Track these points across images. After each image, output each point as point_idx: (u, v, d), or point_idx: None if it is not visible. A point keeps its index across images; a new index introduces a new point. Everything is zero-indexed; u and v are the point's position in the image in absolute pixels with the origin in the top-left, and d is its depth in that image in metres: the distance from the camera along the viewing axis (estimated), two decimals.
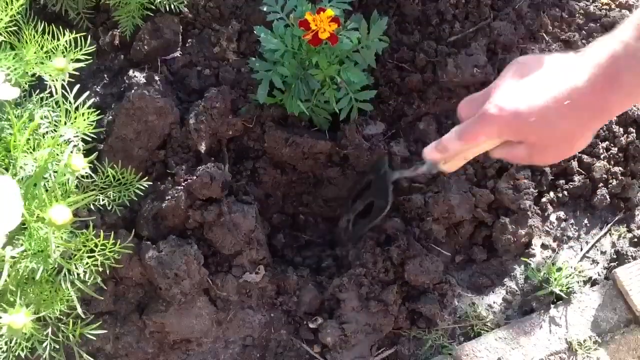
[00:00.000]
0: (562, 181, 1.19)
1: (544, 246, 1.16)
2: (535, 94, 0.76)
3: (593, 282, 1.13)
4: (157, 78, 1.14)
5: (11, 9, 0.83)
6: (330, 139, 1.16)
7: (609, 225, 1.18)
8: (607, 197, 1.17)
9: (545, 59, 0.78)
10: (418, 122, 1.22)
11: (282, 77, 1.10)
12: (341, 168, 1.18)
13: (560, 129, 0.77)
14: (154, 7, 1.18)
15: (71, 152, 0.78)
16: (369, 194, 1.10)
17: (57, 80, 0.78)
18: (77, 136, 0.88)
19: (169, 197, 1.06)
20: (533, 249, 1.14)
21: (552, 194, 1.18)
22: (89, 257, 0.86)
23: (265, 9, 1.10)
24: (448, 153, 0.84)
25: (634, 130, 1.21)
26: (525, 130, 0.77)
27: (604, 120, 0.82)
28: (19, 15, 0.86)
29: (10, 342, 0.87)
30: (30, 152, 0.82)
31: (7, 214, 0.62)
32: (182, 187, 1.06)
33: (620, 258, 1.15)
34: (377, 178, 1.08)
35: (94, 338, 0.94)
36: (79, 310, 0.85)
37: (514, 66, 0.79)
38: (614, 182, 1.18)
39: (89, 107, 0.88)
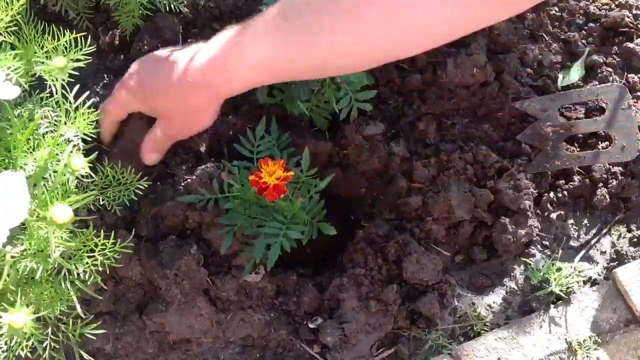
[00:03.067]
0: (562, 181, 1.19)
1: (543, 246, 1.16)
2: (164, 68, 0.91)
3: (593, 282, 1.14)
4: None
5: (12, 9, 0.83)
6: (330, 139, 1.16)
7: (609, 225, 1.18)
8: (607, 197, 1.17)
9: (183, 49, 0.93)
10: (418, 122, 1.22)
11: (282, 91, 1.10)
12: (341, 168, 1.18)
13: (175, 101, 0.92)
14: (154, 7, 1.18)
15: (71, 152, 0.79)
16: None
17: (57, 80, 0.78)
18: (77, 136, 0.88)
19: (169, 197, 1.06)
20: (533, 249, 1.14)
21: (552, 194, 1.18)
22: (89, 257, 0.86)
23: (264, 9, 1.10)
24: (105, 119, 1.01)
25: None
26: (150, 99, 0.94)
27: (218, 96, 0.92)
28: (19, 16, 0.86)
29: (11, 342, 0.87)
30: (30, 152, 0.82)
31: (14, 209, 0.63)
32: (181, 187, 1.06)
33: (620, 258, 1.15)
34: None
35: (94, 338, 0.94)
36: (79, 310, 0.85)
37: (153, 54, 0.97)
38: (614, 182, 1.18)
39: (89, 107, 0.88)
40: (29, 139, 0.82)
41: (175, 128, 0.98)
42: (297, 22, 0.78)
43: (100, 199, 0.98)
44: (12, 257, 0.76)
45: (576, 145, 1.21)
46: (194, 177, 1.07)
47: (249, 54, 0.82)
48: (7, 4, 0.83)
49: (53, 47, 0.89)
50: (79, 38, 0.87)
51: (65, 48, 0.88)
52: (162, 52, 0.95)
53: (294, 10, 0.79)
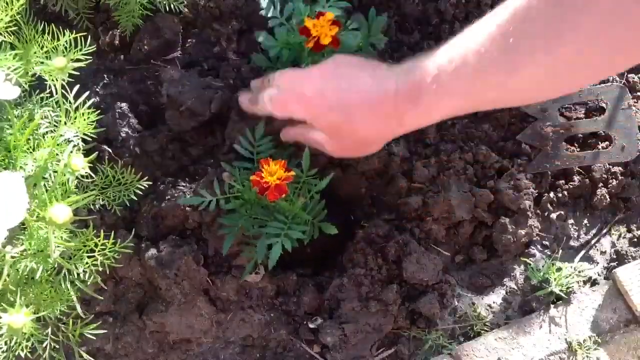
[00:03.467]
0: (562, 181, 1.19)
1: (543, 246, 1.16)
2: (346, 89, 0.85)
3: (593, 282, 1.14)
4: None
5: (11, 9, 0.83)
6: None
7: (609, 225, 1.18)
8: (607, 197, 1.17)
9: (364, 62, 0.87)
10: None
11: None
12: (341, 168, 1.18)
13: (359, 127, 0.86)
14: (154, 7, 1.18)
15: (71, 152, 0.79)
16: None
17: (57, 80, 0.78)
18: (77, 136, 0.88)
19: (169, 197, 1.06)
20: (533, 249, 1.14)
21: (552, 194, 1.18)
22: (88, 257, 0.86)
23: (263, 13, 1.10)
24: (256, 107, 0.94)
25: None
26: (330, 119, 0.87)
27: (397, 133, 0.89)
28: (19, 16, 0.86)
29: (10, 342, 0.87)
30: (30, 152, 0.83)
31: (13, 209, 0.63)
32: (181, 187, 1.06)
33: (620, 258, 1.15)
34: None
35: (94, 338, 0.94)
36: (79, 310, 0.86)
37: (334, 59, 0.89)
38: (614, 182, 1.18)
39: (89, 107, 0.88)
40: (29, 139, 0.82)
41: (340, 149, 0.93)
42: (497, 54, 0.73)
43: (100, 199, 0.98)
44: (12, 257, 0.76)
45: (576, 145, 1.21)
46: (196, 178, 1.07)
47: (448, 87, 0.78)
48: (7, 4, 0.83)
49: (53, 47, 0.89)
50: (78, 38, 0.87)
51: (65, 48, 0.88)
52: (349, 69, 0.88)
53: (496, 41, 0.73)
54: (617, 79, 1.25)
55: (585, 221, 1.19)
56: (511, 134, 1.22)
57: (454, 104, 0.80)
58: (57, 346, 0.93)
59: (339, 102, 0.86)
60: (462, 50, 0.76)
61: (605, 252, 1.16)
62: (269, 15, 1.09)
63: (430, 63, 0.79)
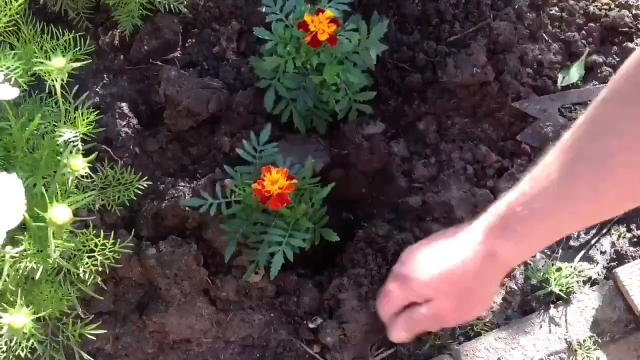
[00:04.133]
0: None
1: None
2: (434, 264, 0.83)
3: (593, 282, 1.13)
4: None
5: (10, 8, 0.83)
6: (329, 139, 1.16)
7: (609, 225, 1.18)
8: None
9: (449, 234, 0.86)
10: (418, 122, 1.21)
11: (286, 89, 1.10)
12: (341, 168, 1.18)
13: (454, 292, 0.83)
14: (153, 7, 1.18)
15: (70, 152, 0.79)
16: None
17: (56, 81, 0.78)
18: (77, 136, 0.88)
19: (169, 197, 1.06)
20: None
21: None
22: (88, 257, 0.86)
23: (264, 10, 1.10)
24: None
25: None
26: (426, 293, 0.84)
27: (500, 273, 0.84)
28: (18, 16, 0.86)
29: (11, 342, 0.87)
30: (30, 152, 0.83)
31: (10, 211, 0.63)
32: (181, 187, 1.06)
33: (620, 258, 1.15)
34: None
35: (94, 338, 0.94)
36: (79, 310, 0.86)
37: (425, 242, 0.88)
38: None
39: (88, 107, 0.88)
40: (29, 139, 0.82)
41: (448, 317, 0.87)
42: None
43: (100, 199, 0.98)
44: (12, 257, 0.76)
45: None
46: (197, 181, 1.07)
47: (536, 210, 0.74)
48: (6, 3, 0.83)
49: (52, 47, 0.89)
50: (78, 38, 0.87)
51: (65, 47, 0.88)
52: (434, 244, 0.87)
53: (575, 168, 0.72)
54: None
55: None
56: (511, 134, 1.22)
57: (547, 227, 0.76)
58: (57, 346, 0.93)
59: (430, 278, 0.84)
60: (537, 173, 0.75)
61: (605, 252, 1.16)
62: (269, 11, 1.09)
63: (514, 193, 0.76)
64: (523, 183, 0.75)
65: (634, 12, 1.31)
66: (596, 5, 1.33)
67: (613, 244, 1.17)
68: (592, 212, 0.74)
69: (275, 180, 0.93)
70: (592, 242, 1.17)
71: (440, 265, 0.83)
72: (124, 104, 1.17)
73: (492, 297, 0.90)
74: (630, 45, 1.28)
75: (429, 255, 0.85)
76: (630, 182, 0.69)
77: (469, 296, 0.84)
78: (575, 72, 1.26)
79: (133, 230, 1.03)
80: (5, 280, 0.72)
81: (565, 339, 1.07)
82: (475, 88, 1.21)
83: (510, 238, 0.76)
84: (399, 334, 0.91)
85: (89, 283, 0.87)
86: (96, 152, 1.07)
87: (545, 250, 1.15)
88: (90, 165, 0.78)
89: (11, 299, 0.81)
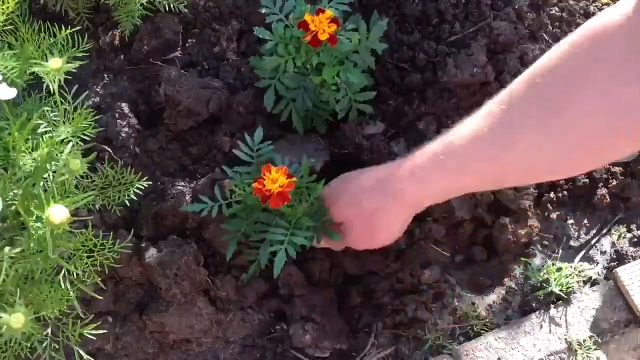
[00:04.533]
0: (562, 181, 1.19)
1: (543, 246, 1.15)
2: (350, 181, 0.98)
3: (593, 282, 1.13)
4: None
5: (7, 7, 0.83)
6: (329, 139, 1.16)
7: (609, 225, 1.18)
8: (607, 197, 1.17)
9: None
10: (418, 122, 1.21)
11: (286, 88, 1.10)
12: (342, 169, 1.17)
13: (364, 208, 0.94)
14: (154, 7, 1.18)
15: (70, 152, 0.79)
16: None
17: (55, 80, 0.78)
18: (76, 136, 0.88)
19: (169, 197, 1.06)
20: (533, 249, 1.14)
21: (552, 194, 1.18)
22: (88, 257, 0.86)
23: (264, 11, 1.10)
24: None
25: None
26: (339, 208, 0.97)
27: (403, 215, 0.95)
28: (16, 15, 0.86)
29: (10, 342, 0.87)
30: (29, 152, 0.83)
31: None
32: (181, 187, 1.06)
33: (620, 258, 1.15)
34: None
35: (94, 338, 0.94)
36: (79, 310, 0.85)
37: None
38: (614, 182, 1.18)
39: (88, 107, 0.88)
40: (28, 139, 0.82)
41: (353, 237, 0.99)
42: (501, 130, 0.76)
43: (100, 199, 0.98)
44: (12, 257, 0.76)
45: None
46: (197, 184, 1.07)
47: (441, 163, 0.83)
48: (2, 2, 0.82)
49: (50, 45, 0.89)
50: (77, 37, 0.87)
51: (63, 46, 0.88)
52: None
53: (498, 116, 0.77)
54: None
55: (585, 221, 1.18)
56: None
57: (449, 179, 0.85)
58: (57, 346, 0.93)
59: (343, 192, 0.98)
60: (455, 131, 0.82)
61: (605, 252, 1.16)
62: (268, 11, 1.09)
63: (427, 147, 0.86)
64: (444, 136, 0.84)
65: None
66: (596, 5, 1.33)
67: (613, 244, 1.17)
68: (491, 176, 0.83)
69: (275, 179, 0.93)
70: (593, 242, 1.17)
71: (351, 194, 0.96)
72: (124, 104, 1.17)
73: (397, 231, 0.96)
74: None
75: (345, 182, 0.99)
76: (532, 155, 0.74)
77: (373, 225, 0.95)
78: None
79: (133, 230, 1.03)
80: (4, 281, 0.72)
81: (566, 339, 1.07)
82: (476, 88, 1.21)
83: (414, 183, 0.87)
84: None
85: (88, 283, 0.87)
86: (96, 152, 1.08)
87: (546, 250, 1.15)
88: (90, 165, 0.78)
89: (11, 299, 0.81)
